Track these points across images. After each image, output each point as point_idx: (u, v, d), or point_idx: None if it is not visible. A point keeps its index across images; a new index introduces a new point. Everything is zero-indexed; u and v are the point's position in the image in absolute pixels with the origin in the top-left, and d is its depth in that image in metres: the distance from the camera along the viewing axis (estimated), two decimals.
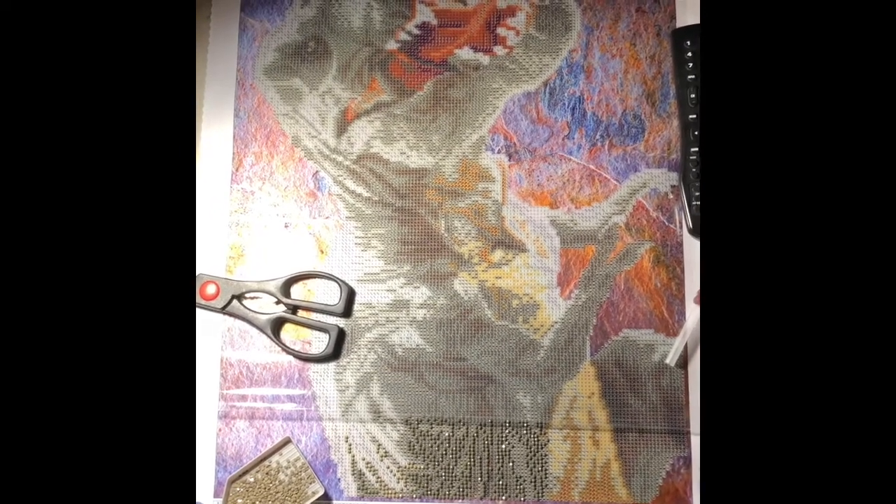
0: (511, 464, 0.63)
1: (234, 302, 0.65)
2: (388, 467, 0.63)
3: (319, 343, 0.65)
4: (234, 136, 0.69)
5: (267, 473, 0.62)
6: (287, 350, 0.65)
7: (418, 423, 0.63)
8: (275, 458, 0.63)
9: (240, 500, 0.61)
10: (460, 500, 0.62)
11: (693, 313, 0.64)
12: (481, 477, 0.62)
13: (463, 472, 0.63)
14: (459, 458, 0.63)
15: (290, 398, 0.64)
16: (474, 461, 0.63)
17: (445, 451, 0.63)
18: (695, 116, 0.65)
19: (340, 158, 0.68)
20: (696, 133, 0.65)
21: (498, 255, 0.66)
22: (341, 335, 0.65)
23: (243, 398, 0.64)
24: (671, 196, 0.66)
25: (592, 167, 0.67)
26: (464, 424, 0.63)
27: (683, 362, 0.64)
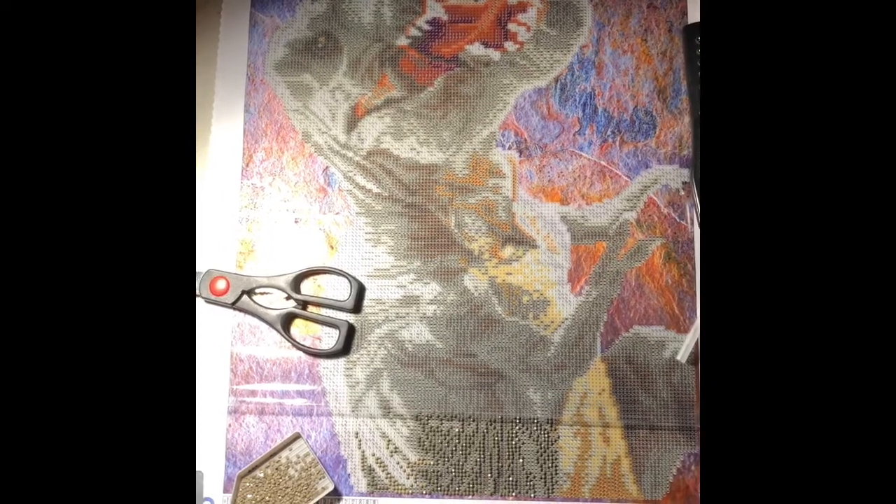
0: (521, 460, 0.62)
1: (244, 297, 0.65)
2: (398, 463, 0.63)
3: (329, 339, 0.65)
4: (244, 132, 0.69)
5: (276, 469, 0.62)
6: (297, 345, 0.65)
7: (428, 419, 0.63)
8: (284, 453, 0.63)
9: (249, 496, 0.61)
10: (470, 497, 0.62)
11: None
12: (491, 473, 0.62)
13: (473, 469, 0.62)
14: (469, 454, 0.63)
15: (300, 394, 0.64)
16: (484, 457, 0.63)
17: (455, 447, 0.63)
18: None
19: (350, 154, 0.68)
20: None
21: (508, 251, 0.66)
22: (351, 331, 0.65)
23: (253, 393, 0.64)
24: (682, 192, 0.66)
25: (603, 163, 0.67)
26: (474, 420, 0.63)
27: (694, 359, 0.63)
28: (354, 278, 0.65)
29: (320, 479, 0.62)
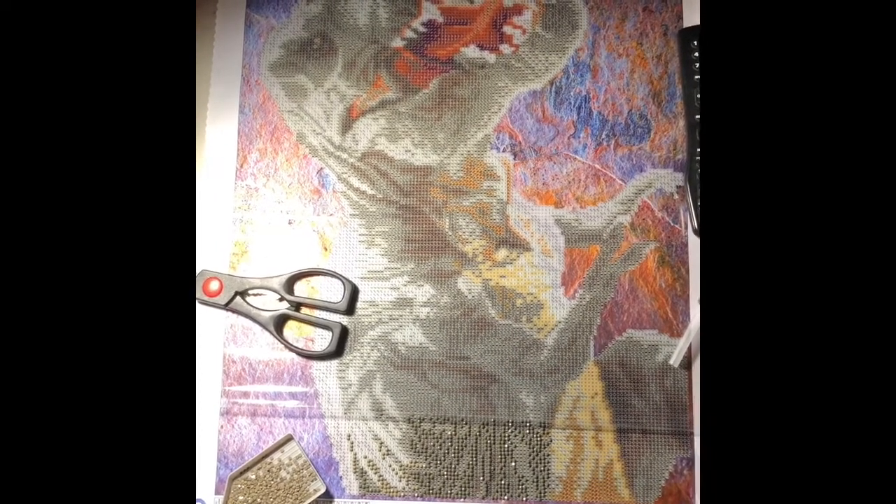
0: (513, 463, 0.62)
1: (238, 298, 0.65)
2: (390, 466, 0.63)
3: (322, 340, 0.65)
4: (238, 133, 0.69)
5: (268, 471, 0.62)
6: (290, 347, 0.64)
7: (421, 422, 0.63)
8: (276, 455, 0.62)
9: (241, 498, 0.61)
10: (462, 500, 0.62)
11: (697, 314, 0.64)
12: (483, 476, 0.62)
13: (465, 472, 0.62)
14: (462, 457, 0.63)
15: (293, 395, 0.64)
16: (476, 460, 0.63)
17: (448, 450, 0.63)
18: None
19: (345, 156, 0.68)
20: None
21: (502, 253, 0.66)
22: (344, 333, 0.65)
23: (245, 395, 0.64)
24: (676, 196, 0.66)
25: (598, 167, 0.67)
26: (466, 423, 0.63)
27: (687, 363, 0.63)
28: (348, 280, 0.65)
29: (312, 481, 0.62)
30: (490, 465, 0.62)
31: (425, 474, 0.62)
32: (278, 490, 0.61)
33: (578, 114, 0.68)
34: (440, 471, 0.62)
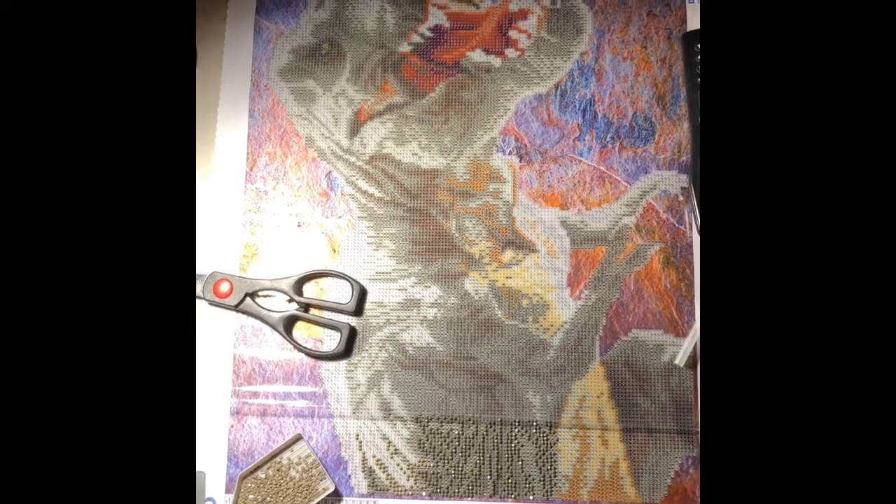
0: (520, 462, 0.63)
1: (247, 300, 0.66)
2: (398, 465, 0.63)
3: (331, 341, 0.66)
4: (248, 137, 0.70)
5: (278, 470, 0.63)
6: (299, 348, 0.65)
7: (428, 422, 0.64)
8: (286, 454, 0.63)
9: (251, 496, 0.62)
10: (469, 499, 0.63)
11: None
12: (490, 475, 0.63)
13: (472, 471, 0.63)
14: (469, 456, 0.63)
15: (302, 395, 0.65)
16: (484, 459, 0.63)
17: (455, 449, 0.63)
18: None
19: (353, 159, 0.69)
20: None
21: (508, 255, 0.66)
22: (353, 333, 0.65)
23: (255, 395, 0.65)
24: (681, 198, 0.67)
25: (603, 169, 0.67)
26: (473, 423, 0.64)
27: (692, 363, 0.64)
28: (356, 281, 0.66)
29: (321, 480, 0.62)
30: (497, 464, 0.63)
31: (433, 473, 0.63)
32: (288, 489, 0.62)
33: (583, 116, 0.68)
34: (448, 470, 0.63)
